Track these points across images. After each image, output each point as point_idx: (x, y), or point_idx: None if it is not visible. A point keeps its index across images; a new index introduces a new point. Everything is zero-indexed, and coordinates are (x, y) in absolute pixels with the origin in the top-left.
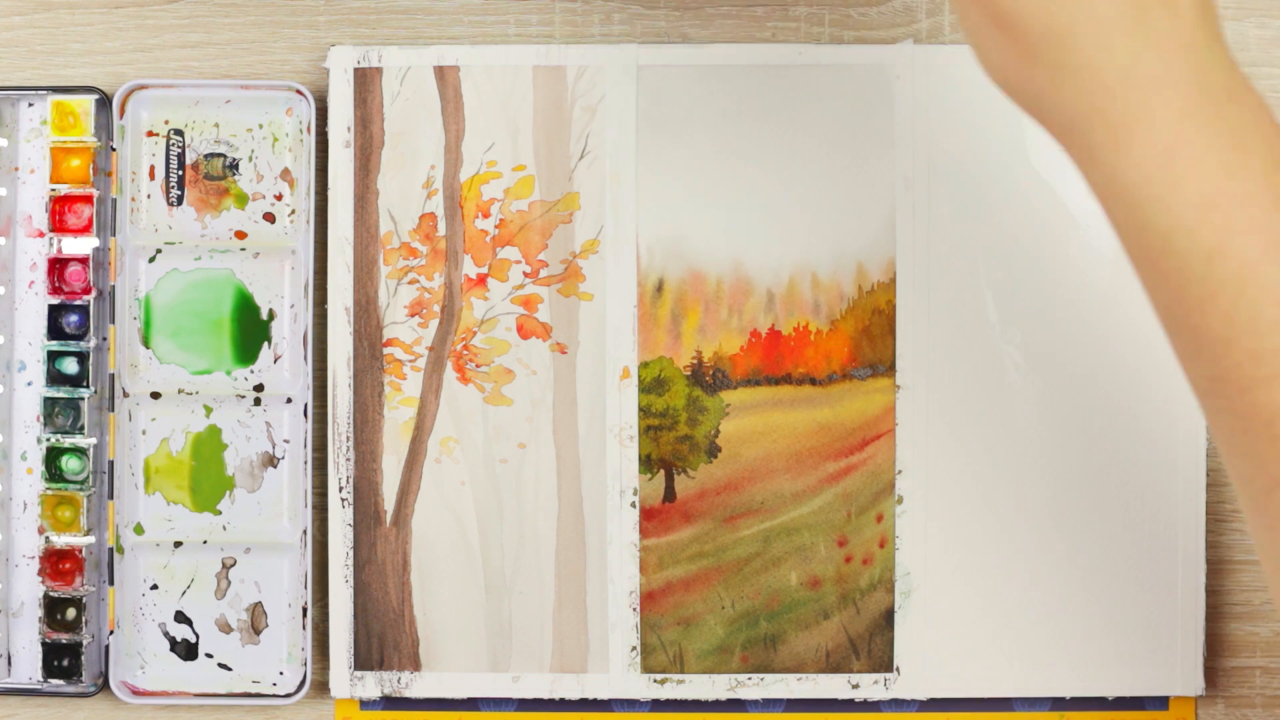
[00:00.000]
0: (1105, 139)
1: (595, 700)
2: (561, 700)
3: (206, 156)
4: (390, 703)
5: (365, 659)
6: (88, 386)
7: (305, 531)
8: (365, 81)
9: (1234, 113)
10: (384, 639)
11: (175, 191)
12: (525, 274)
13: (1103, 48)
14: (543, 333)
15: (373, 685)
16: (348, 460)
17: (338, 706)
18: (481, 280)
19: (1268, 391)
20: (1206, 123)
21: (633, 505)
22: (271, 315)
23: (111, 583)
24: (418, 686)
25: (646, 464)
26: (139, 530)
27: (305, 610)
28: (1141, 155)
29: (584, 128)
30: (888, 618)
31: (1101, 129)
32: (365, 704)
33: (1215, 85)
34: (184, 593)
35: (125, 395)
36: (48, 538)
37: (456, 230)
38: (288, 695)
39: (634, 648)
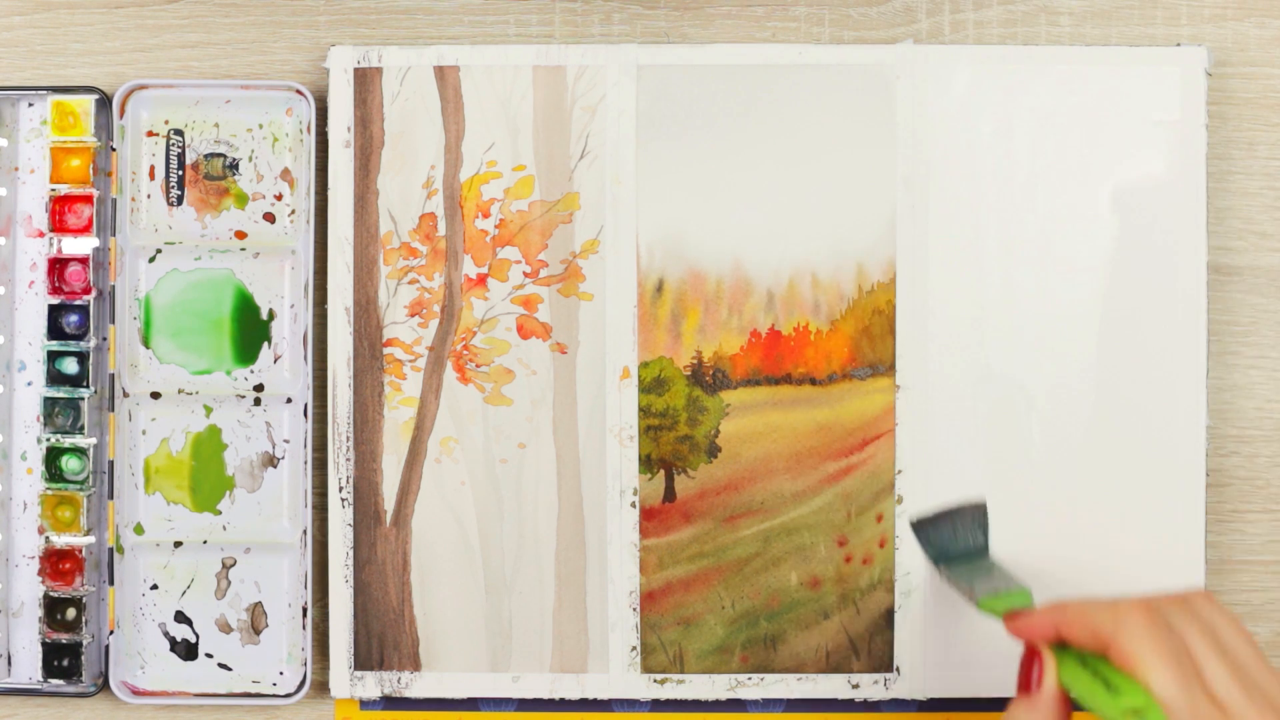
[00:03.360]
0: None
1: (595, 700)
2: (561, 700)
3: (206, 156)
4: (390, 703)
5: (365, 659)
6: (88, 386)
7: (305, 531)
8: (365, 81)
9: None
10: (384, 639)
11: (175, 191)
12: (525, 274)
13: None
14: (543, 333)
15: (373, 685)
16: (348, 460)
17: (338, 706)
18: (481, 280)
19: None
20: None
21: (633, 505)
22: (271, 315)
23: (111, 583)
24: (418, 686)
25: (646, 464)
26: (139, 530)
27: (305, 610)
28: None
29: (584, 128)
30: (888, 618)
31: None
32: (365, 704)
33: None
34: (184, 593)
35: (125, 395)
36: (48, 538)
37: (456, 230)
38: (288, 695)
39: (634, 648)
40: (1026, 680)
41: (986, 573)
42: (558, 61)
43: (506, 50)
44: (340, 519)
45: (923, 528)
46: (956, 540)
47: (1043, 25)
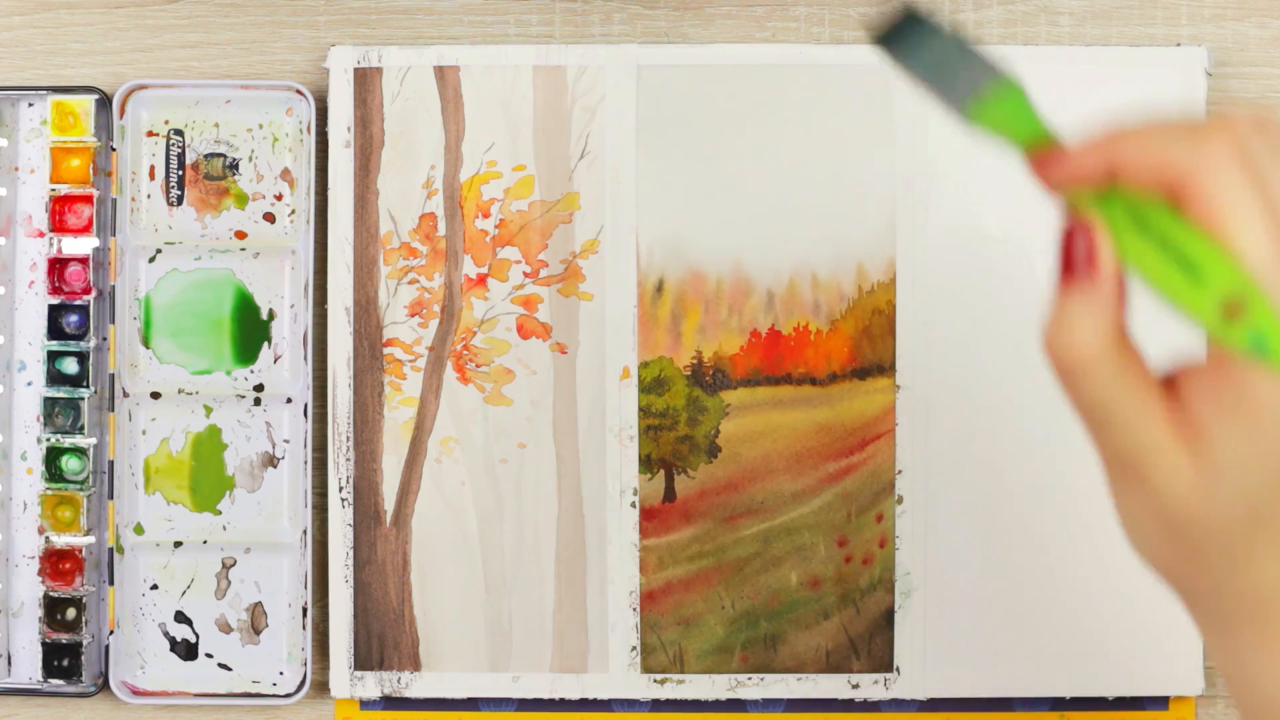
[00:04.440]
0: (1249, 639)
1: (595, 700)
2: (561, 700)
3: (206, 156)
4: (390, 703)
5: (365, 659)
6: (88, 386)
7: (305, 531)
8: (365, 81)
9: None
10: (384, 639)
11: (175, 191)
12: (525, 274)
13: (1267, 568)
14: (543, 333)
15: (373, 685)
16: (348, 460)
17: (338, 706)
18: (481, 280)
19: None
20: None
21: (633, 505)
22: (271, 315)
23: (111, 583)
24: (418, 686)
25: (646, 464)
26: (139, 530)
27: (305, 610)
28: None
29: (584, 128)
30: (888, 618)
31: (1249, 631)
32: (365, 704)
33: None
34: (184, 593)
35: (125, 395)
36: (48, 538)
37: (456, 230)
38: (288, 695)
39: (634, 648)
40: (1072, 261)
41: (962, 63)
42: (558, 61)
43: (506, 50)
44: (340, 519)
45: (884, 35)
46: (919, 31)
47: (1043, 25)
